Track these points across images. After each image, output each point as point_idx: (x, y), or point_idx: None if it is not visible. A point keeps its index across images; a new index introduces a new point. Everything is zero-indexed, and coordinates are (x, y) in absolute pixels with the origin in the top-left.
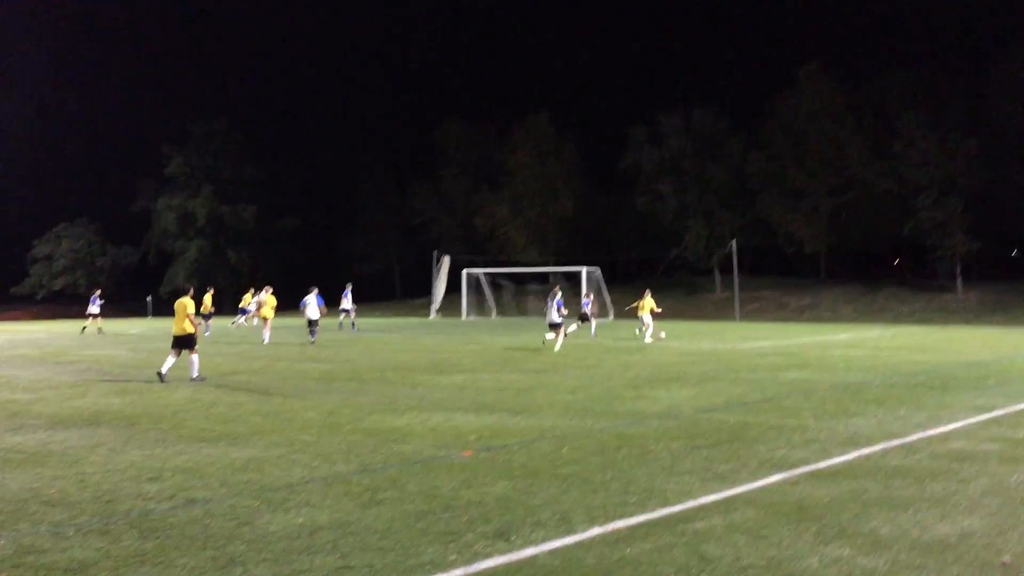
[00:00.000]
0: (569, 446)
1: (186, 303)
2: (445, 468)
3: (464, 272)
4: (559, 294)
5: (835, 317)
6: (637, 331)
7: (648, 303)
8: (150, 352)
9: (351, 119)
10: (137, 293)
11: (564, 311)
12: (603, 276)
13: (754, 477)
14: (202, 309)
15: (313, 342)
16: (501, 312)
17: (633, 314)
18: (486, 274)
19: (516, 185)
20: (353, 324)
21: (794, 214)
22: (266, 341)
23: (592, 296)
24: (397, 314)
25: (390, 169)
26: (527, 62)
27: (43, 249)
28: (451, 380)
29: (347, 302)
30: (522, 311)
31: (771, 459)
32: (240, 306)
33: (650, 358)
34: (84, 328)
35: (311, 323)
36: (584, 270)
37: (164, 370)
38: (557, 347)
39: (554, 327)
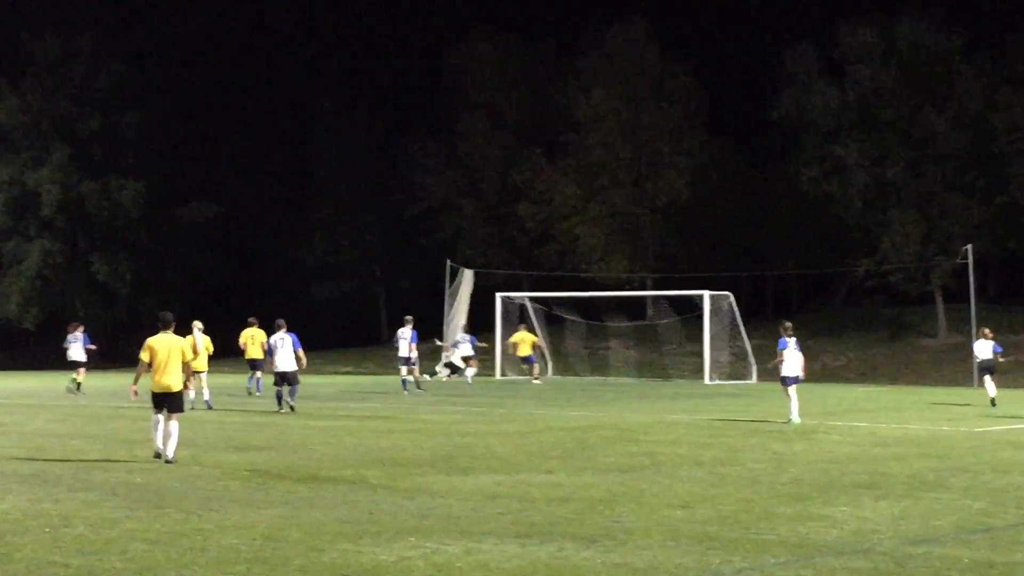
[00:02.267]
0: None
1: (182, 344)
2: None
3: (499, 298)
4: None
5: None
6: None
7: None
8: None
9: (306, 37)
10: None
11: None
12: (738, 306)
13: None
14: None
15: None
16: (562, 366)
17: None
18: (535, 301)
19: (590, 148)
20: (451, 373)
21: None
22: (208, 404)
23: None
24: (382, 368)
25: (371, 122)
26: None
27: None
28: (475, 483)
29: (464, 346)
30: (599, 365)
31: None
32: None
33: (822, 449)
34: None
35: (405, 361)
36: (706, 296)
37: (164, 446)
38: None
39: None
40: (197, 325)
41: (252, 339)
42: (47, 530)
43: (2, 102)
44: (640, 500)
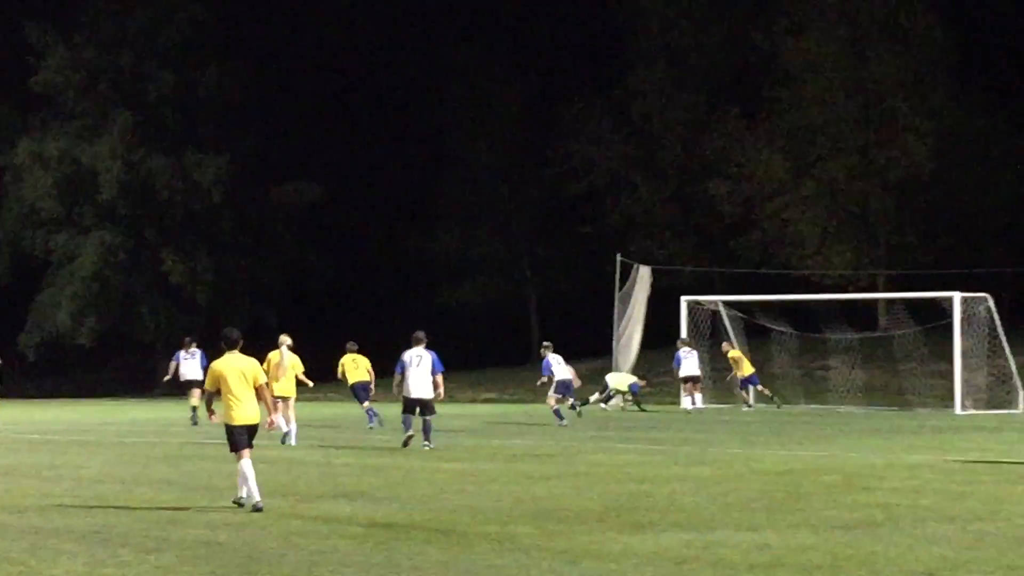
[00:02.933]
0: None
1: (254, 367)
2: None
3: (684, 302)
4: None
5: None
6: None
7: None
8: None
9: None
10: None
11: None
12: (1000, 311)
13: None
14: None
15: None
16: (769, 391)
17: None
18: (732, 306)
19: (802, 107)
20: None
21: None
22: (291, 441)
23: None
24: (534, 393)
25: (519, 76)
26: None
27: None
28: (656, 544)
29: (688, 362)
30: (816, 389)
31: None
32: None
33: None
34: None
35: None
36: (957, 299)
37: (246, 494)
38: None
39: None
40: (285, 341)
41: (355, 363)
42: None
43: (49, 56)
44: (872, 566)
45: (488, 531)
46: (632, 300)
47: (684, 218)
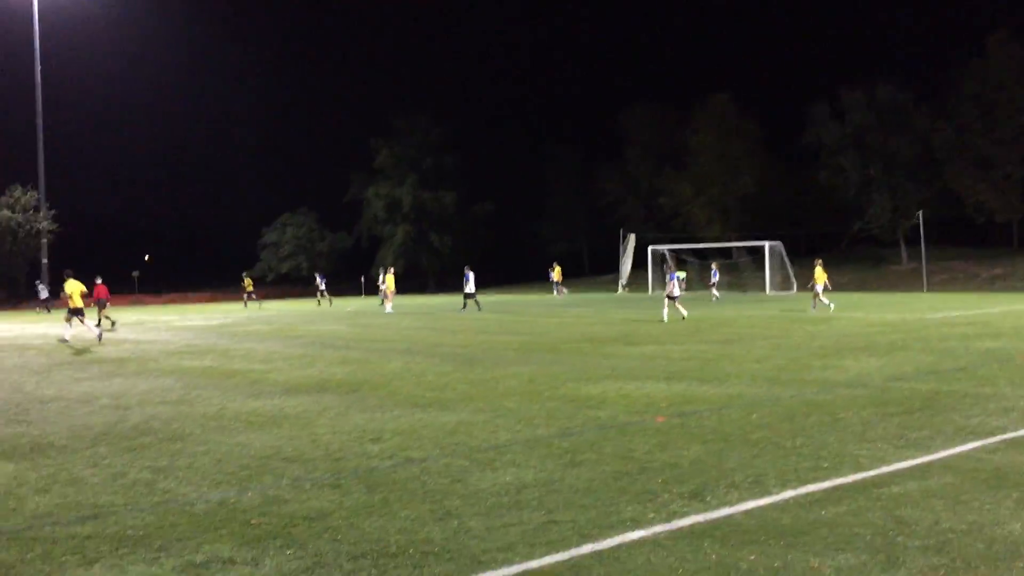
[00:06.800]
0: (758, 413)
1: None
2: (639, 432)
3: (649, 249)
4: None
5: None
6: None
7: (819, 275)
8: (365, 327)
9: (541, 108)
10: (351, 274)
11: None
12: (785, 250)
13: (949, 444)
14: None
15: None
16: (688, 287)
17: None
18: (670, 251)
19: (699, 165)
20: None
21: (983, 184)
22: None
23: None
24: (588, 289)
25: (577, 153)
26: (708, 45)
27: (271, 236)
28: (641, 351)
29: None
30: (707, 285)
31: (966, 427)
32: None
33: (836, 328)
34: (319, 302)
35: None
36: (767, 245)
37: None
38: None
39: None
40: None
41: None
42: (414, 378)
43: (381, 152)
44: (733, 358)
45: (570, 347)
46: (627, 249)
47: (650, 214)
